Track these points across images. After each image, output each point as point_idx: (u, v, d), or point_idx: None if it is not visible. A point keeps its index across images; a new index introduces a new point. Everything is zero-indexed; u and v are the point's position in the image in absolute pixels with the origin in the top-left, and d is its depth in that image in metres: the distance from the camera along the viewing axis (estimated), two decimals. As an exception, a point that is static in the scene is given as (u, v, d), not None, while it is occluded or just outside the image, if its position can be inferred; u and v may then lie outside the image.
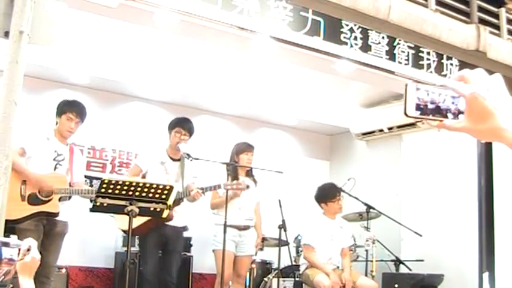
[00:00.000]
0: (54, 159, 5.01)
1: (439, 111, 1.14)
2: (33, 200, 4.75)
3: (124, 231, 5.43)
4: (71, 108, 5.09)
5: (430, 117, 1.14)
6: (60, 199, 4.88)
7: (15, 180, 4.64)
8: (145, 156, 5.83)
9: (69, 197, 4.97)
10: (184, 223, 5.74)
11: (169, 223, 5.41)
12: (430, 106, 1.13)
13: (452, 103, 1.13)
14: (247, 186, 5.67)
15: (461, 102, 1.13)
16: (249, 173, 6.11)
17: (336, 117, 8.52)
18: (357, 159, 8.69)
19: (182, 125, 5.70)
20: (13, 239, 2.43)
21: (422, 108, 1.13)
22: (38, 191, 4.78)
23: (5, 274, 2.31)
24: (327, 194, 6.31)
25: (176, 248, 5.65)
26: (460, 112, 1.13)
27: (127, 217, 4.42)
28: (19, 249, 2.39)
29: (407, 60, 6.08)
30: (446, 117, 1.14)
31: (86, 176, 6.19)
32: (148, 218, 5.17)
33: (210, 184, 5.53)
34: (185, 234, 6.00)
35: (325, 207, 6.29)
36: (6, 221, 3.92)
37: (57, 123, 5.12)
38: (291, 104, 8.14)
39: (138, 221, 5.16)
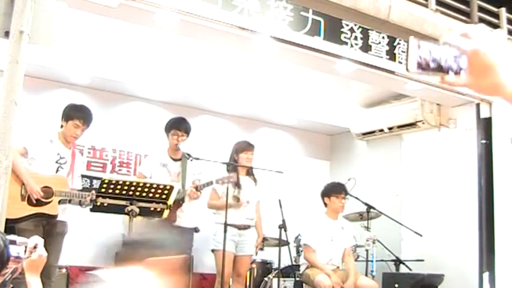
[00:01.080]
0: (56, 162, 5.00)
1: (441, 69, 1.14)
2: (32, 200, 4.74)
3: None
4: (78, 115, 5.08)
5: (432, 74, 1.15)
6: (59, 202, 4.86)
7: (17, 180, 4.64)
8: (147, 161, 5.97)
9: (69, 200, 4.96)
10: (193, 224, 5.78)
11: (176, 224, 5.46)
12: (432, 64, 1.14)
13: (455, 61, 1.14)
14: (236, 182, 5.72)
15: (463, 61, 1.14)
16: (250, 172, 6.12)
17: (336, 117, 8.52)
18: (357, 159, 8.69)
19: (178, 126, 5.74)
20: (19, 237, 2.44)
21: (424, 66, 1.14)
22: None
23: (12, 272, 2.32)
24: (333, 189, 6.33)
25: (182, 250, 5.67)
26: (462, 70, 1.14)
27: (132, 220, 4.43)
28: (25, 247, 2.40)
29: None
30: (448, 74, 1.14)
31: (86, 176, 6.20)
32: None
33: (202, 182, 5.59)
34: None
35: (328, 203, 6.28)
36: (6, 220, 3.92)
37: (61, 126, 5.11)
38: (291, 104, 8.14)
39: None
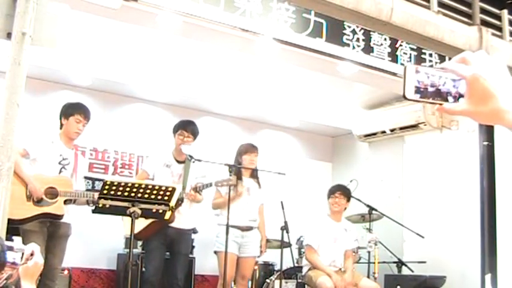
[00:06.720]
0: (59, 163, 4.99)
1: (440, 95, 1.11)
2: (38, 201, 4.74)
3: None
4: (79, 110, 5.10)
5: (430, 100, 1.12)
6: (65, 202, 4.86)
7: (22, 181, 4.64)
8: (151, 160, 5.93)
9: (74, 201, 4.96)
10: (190, 225, 5.76)
11: (173, 225, 5.43)
12: (430, 89, 1.11)
13: (453, 86, 1.11)
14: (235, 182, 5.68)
15: (462, 85, 1.11)
16: (254, 175, 6.09)
17: (338, 119, 8.52)
18: (359, 161, 8.68)
19: (184, 127, 5.74)
20: (17, 243, 2.44)
21: (422, 91, 1.11)
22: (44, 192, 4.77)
23: (7, 278, 2.32)
24: (331, 190, 6.35)
25: (181, 250, 5.65)
26: (461, 95, 1.11)
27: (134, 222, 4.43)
28: (22, 254, 2.40)
29: (410, 61, 6.08)
30: (446, 100, 1.11)
31: (88, 178, 6.19)
32: (150, 221, 5.20)
33: (202, 183, 5.58)
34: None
35: (329, 204, 6.31)
36: (12, 221, 3.92)
37: (61, 126, 5.10)
38: (294, 106, 8.14)
39: (141, 224, 5.19)
